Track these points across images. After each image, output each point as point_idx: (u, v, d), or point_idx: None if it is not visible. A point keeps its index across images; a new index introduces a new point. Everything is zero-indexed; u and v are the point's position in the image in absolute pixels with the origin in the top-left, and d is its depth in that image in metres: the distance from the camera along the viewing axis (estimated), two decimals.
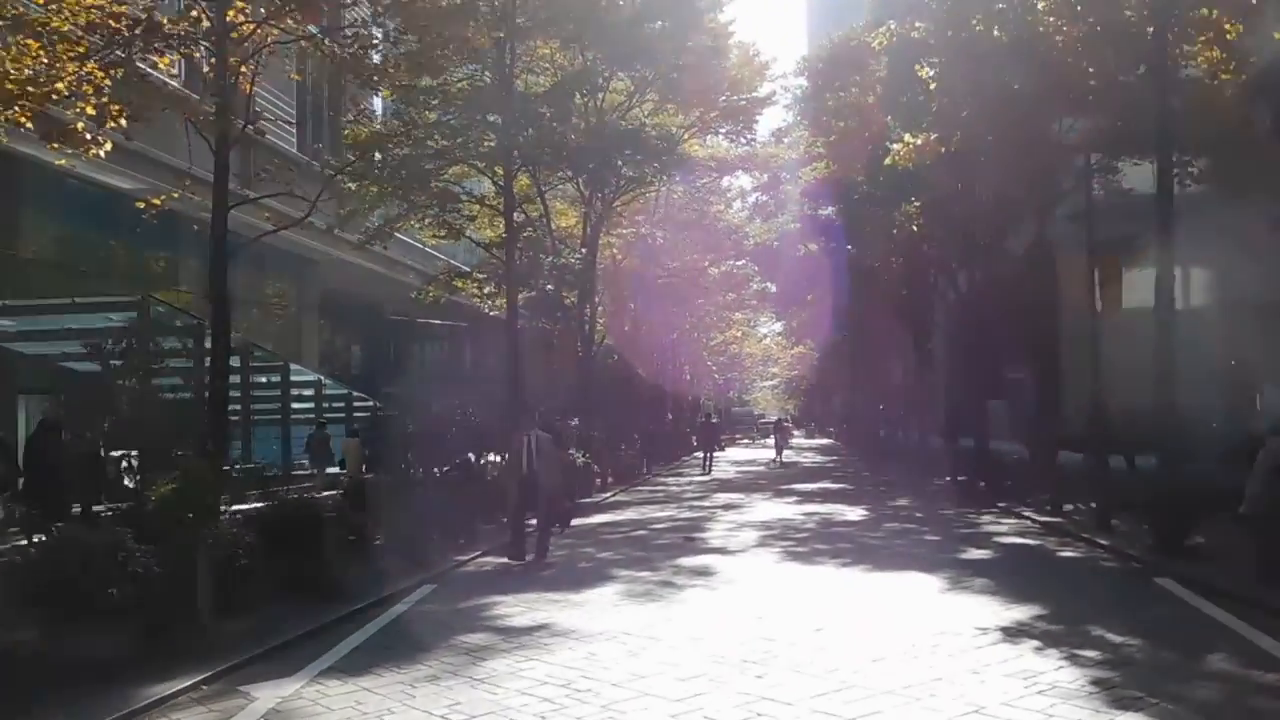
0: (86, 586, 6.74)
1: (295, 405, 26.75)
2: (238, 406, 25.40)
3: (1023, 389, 30.21)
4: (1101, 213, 21.81)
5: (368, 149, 19.46)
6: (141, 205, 14.17)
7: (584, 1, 20.65)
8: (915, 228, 23.69)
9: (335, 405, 27.31)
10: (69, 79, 10.56)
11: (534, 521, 12.13)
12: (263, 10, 12.63)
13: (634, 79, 24.67)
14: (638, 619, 8.06)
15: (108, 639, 6.81)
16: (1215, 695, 5.77)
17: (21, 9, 10.41)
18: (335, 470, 21.43)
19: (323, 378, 27.64)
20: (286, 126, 28.17)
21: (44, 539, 8.00)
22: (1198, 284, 23.22)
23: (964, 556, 11.14)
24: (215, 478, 10.00)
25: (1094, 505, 14.07)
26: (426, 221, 22.77)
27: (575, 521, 16.43)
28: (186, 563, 7.86)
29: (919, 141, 14.72)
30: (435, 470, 16.77)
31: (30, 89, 9.98)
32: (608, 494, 22.01)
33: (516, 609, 8.77)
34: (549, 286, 22.19)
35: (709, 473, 31.30)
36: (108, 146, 11.19)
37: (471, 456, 19.19)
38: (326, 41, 14.71)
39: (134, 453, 15.03)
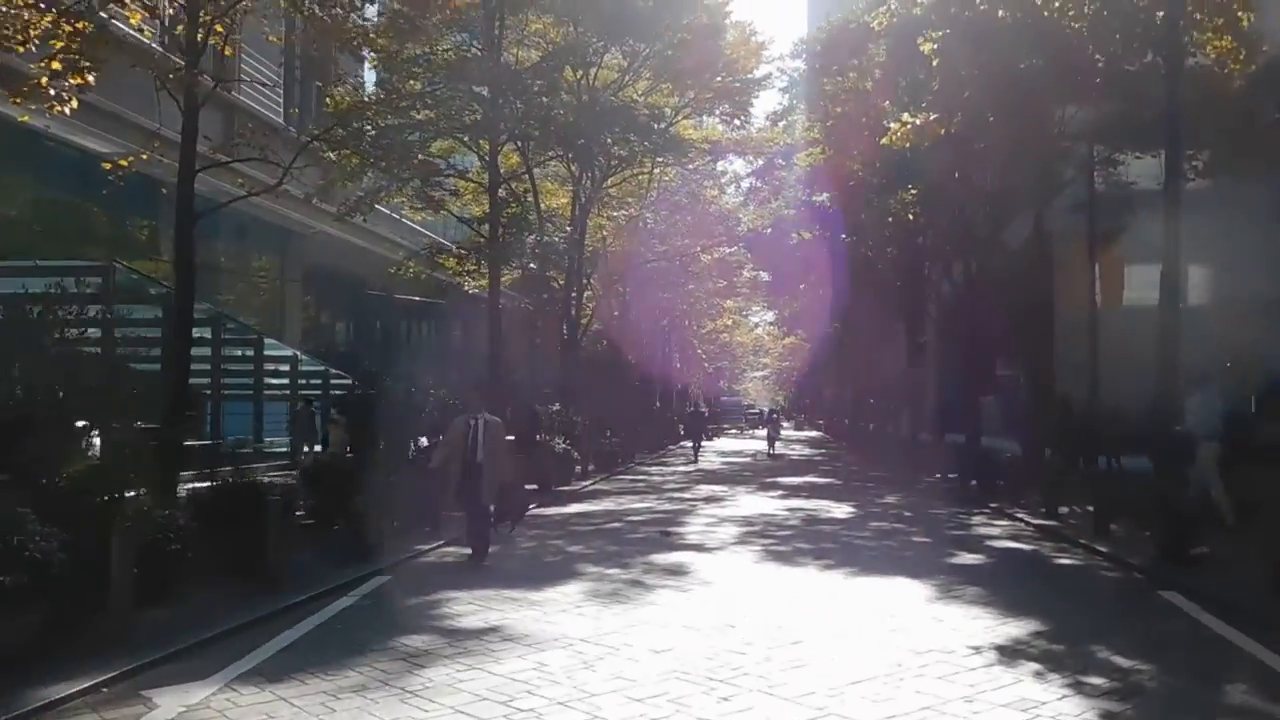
0: None
1: (272, 380, 26.09)
2: (207, 380, 24.77)
3: (1015, 385, 29.68)
4: (1101, 205, 21.23)
5: (349, 118, 18.82)
6: (108, 167, 13.65)
7: None
8: (911, 216, 23.01)
9: (313, 382, 26.56)
10: (36, 31, 10.21)
11: (498, 516, 11.30)
12: None
13: (626, 53, 23.91)
14: (599, 623, 7.36)
15: None
16: None
17: None
18: (319, 449, 20.82)
19: (299, 353, 26.93)
20: (274, 96, 27.58)
21: None
22: (1192, 281, 22.59)
23: (955, 561, 10.46)
24: (147, 453, 9.30)
25: (1090, 509, 13.46)
26: (408, 195, 22.05)
27: (548, 511, 15.82)
28: (102, 547, 7.14)
29: (918, 121, 14.00)
30: (407, 452, 16.11)
31: None
32: (587, 482, 21.34)
33: (469, 607, 8.07)
34: (532, 265, 21.49)
35: (696, 462, 31.20)
36: (74, 104, 10.82)
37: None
38: (306, 1, 14.12)
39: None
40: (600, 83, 23.47)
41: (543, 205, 24.97)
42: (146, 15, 12.98)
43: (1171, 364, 12.20)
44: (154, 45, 14.09)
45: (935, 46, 13.32)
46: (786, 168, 30.70)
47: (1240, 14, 13.91)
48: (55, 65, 11.48)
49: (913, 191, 22.11)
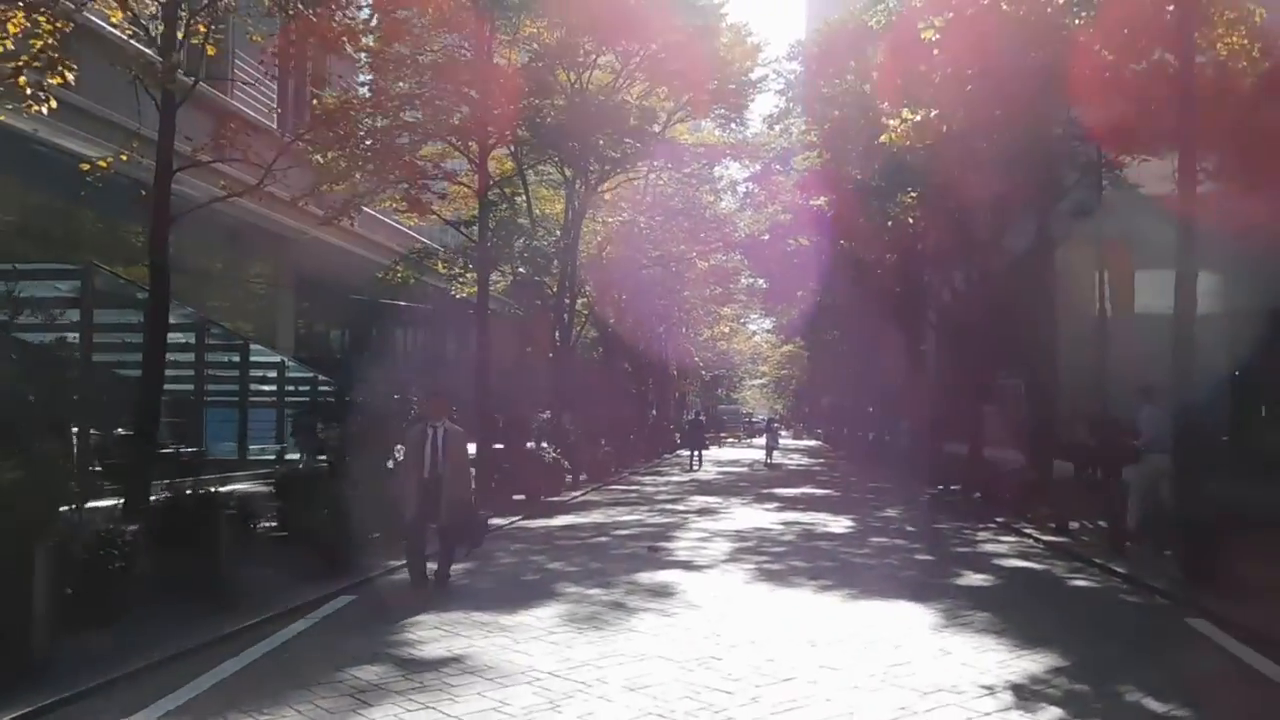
0: None
1: (261, 387, 25.49)
2: (190, 387, 24.12)
3: (1015, 394, 29.06)
4: (1106, 210, 20.57)
5: (336, 119, 18.34)
6: (86, 168, 13.23)
7: None
8: (911, 220, 22.39)
9: (301, 389, 25.93)
10: (15, 29, 10.04)
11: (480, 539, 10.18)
12: None
13: (619, 54, 23.35)
14: (572, 653, 6.70)
15: None
16: None
17: None
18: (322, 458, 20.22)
19: (286, 359, 26.35)
20: (268, 99, 27.05)
21: None
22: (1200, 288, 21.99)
23: (961, 582, 9.77)
24: (60, 469, 8.63)
25: (1102, 524, 12.82)
26: (396, 199, 21.48)
27: (534, 523, 15.14)
28: (24, 567, 6.49)
29: (918, 117, 13.37)
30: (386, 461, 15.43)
31: None
32: (577, 493, 20.65)
33: (434, 633, 7.40)
34: (521, 269, 20.88)
35: (694, 471, 31.16)
36: (52, 103, 10.71)
37: None
38: None
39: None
40: (594, 85, 22.91)
41: (537, 211, 24.40)
42: (128, 15, 12.68)
43: (1187, 373, 11.61)
44: (133, 43, 13.65)
45: (937, 36, 12.67)
46: (784, 173, 30.06)
47: (1252, 7, 13.33)
48: (34, 64, 11.29)
49: (913, 195, 21.50)
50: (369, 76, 20.37)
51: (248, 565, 9.20)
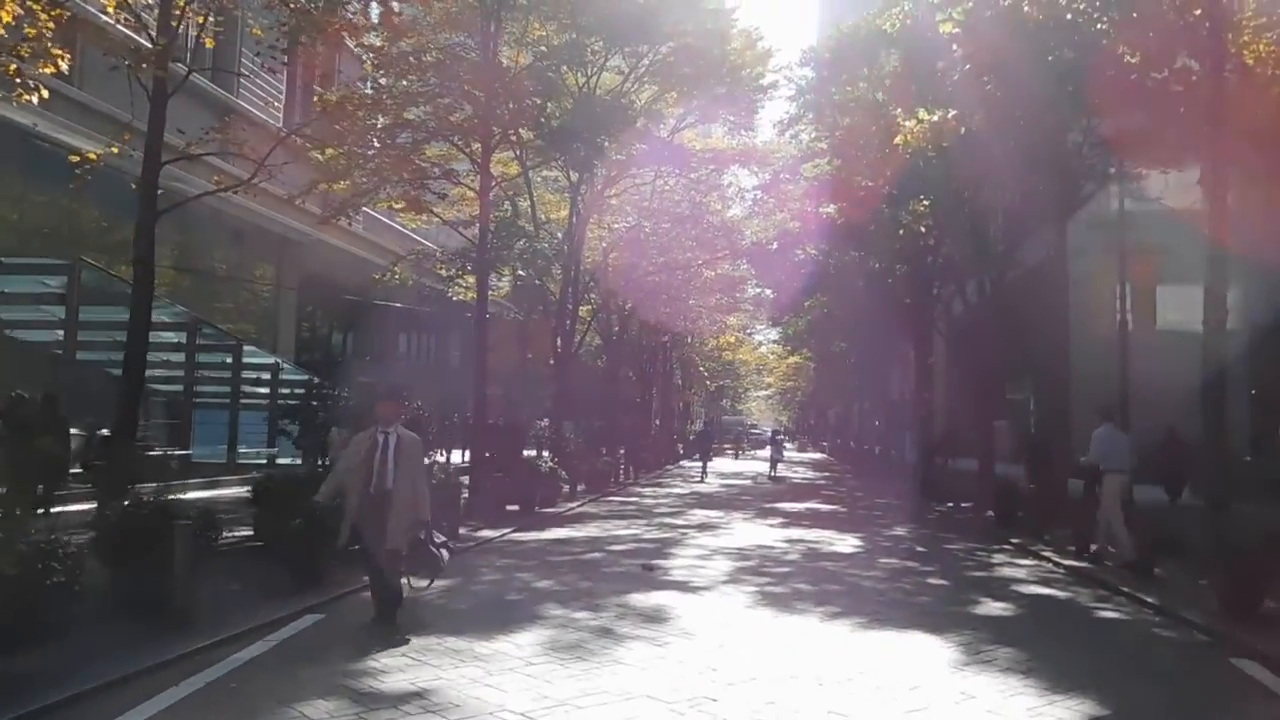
0: None
1: (256, 389, 24.91)
2: (179, 388, 23.50)
3: (1025, 409, 28.34)
4: (1114, 223, 19.85)
5: (338, 116, 17.88)
6: (75, 160, 12.78)
7: None
8: (924, 229, 21.71)
9: (297, 391, 25.35)
10: (9, 18, 9.77)
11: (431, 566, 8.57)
12: None
13: (627, 55, 22.81)
14: (551, 689, 5.99)
15: None
16: None
17: None
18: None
19: (281, 360, 25.77)
20: (275, 98, 26.61)
21: None
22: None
23: (980, 611, 9.02)
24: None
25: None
26: (395, 196, 20.92)
27: (526, 536, 14.43)
28: None
29: (935, 118, 12.68)
30: None
31: None
32: (574, 504, 19.97)
33: (400, 660, 6.71)
34: (520, 272, 20.26)
35: (703, 480, 31.34)
36: (44, 93, 10.39)
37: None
38: None
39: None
40: (602, 89, 22.36)
41: (542, 215, 23.82)
42: (123, 2, 12.36)
43: (1218, 392, 10.95)
44: (126, 31, 13.21)
45: (956, 30, 12.00)
46: (793, 181, 29.37)
47: None
48: (24, 52, 10.70)
49: (926, 203, 20.83)
50: (378, 76, 19.84)
51: (212, 580, 8.55)
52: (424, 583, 8.28)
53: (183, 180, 15.90)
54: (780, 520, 17.62)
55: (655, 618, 8.28)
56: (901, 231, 20.76)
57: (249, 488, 12.54)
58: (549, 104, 20.16)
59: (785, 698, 5.87)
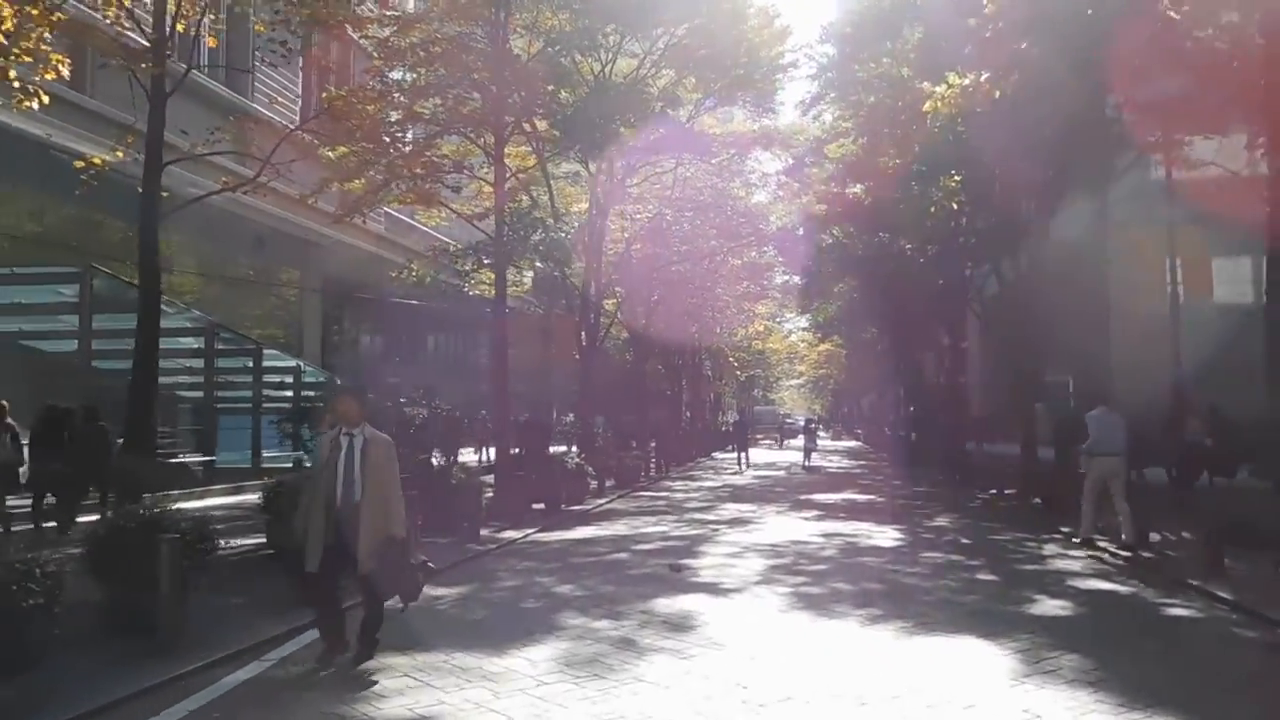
0: None
1: (279, 394, 24.64)
2: (197, 394, 23.20)
3: (1064, 391, 27.43)
4: (1157, 194, 18.95)
5: (346, 113, 17.44)
6: (80, 165, 12.49)
7: None
8: (955, 205, 20.87)
9: (320, 394, 24.99)
10: (9, 25, 9.71)
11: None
12: None
13: (641, 40, 22.21)
14: (561, 715, 5.39)
15: None
16: None
17: None
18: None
19: (302, 363, 25.47)
20: (289, 104, 26.30)
21: None
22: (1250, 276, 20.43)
23: (1035, 611, 8.27)
24: None
25: (1186, 535, 11.36)
26: (408, 193, 20.45)
27: (550, 536, 13.86)
28: None
29: (966, 82, 11.91)
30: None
31: None
32: (602, 500, 19.38)
33: (401, 682, 6.13)
34: (537, 264, 19.68)
35: (742, 471, 31.47)
36: (44, 99, 10.26)
37: (438, 457, 16.65)
38: None
39: None
40: (618, 75, 21.74)
41: (560, 207, 23.22)
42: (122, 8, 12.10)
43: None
44: (126, 32, 12.87)
45: None
46: (817, 163, 28.57)
47: None
48: (26, 58, 10.44)
49: (957, 178, 19.99)
50: (385, 69, 19.37)
51: (214, 595, 8.06)
52: (397, 608, 6.87)
53: (197, 185, 15.53)
54: (815, 513, 16.93)
55: (681, 625, 7.65)
56: (933, 209, 19.91)
57: (259, 494, 12.10)
58: (563, 92, 19.58)
59: (824, 716, 5.22)
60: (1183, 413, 15.94)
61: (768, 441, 58.09)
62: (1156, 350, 15.70)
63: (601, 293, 25.27)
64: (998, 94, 12.15)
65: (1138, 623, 7.95)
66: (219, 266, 26.41)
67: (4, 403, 13.34)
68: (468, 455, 22.81)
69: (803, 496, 20.62)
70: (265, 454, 23.23)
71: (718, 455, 43.34)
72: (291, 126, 16.10)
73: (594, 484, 20.66)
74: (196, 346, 22.24)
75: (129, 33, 12.82)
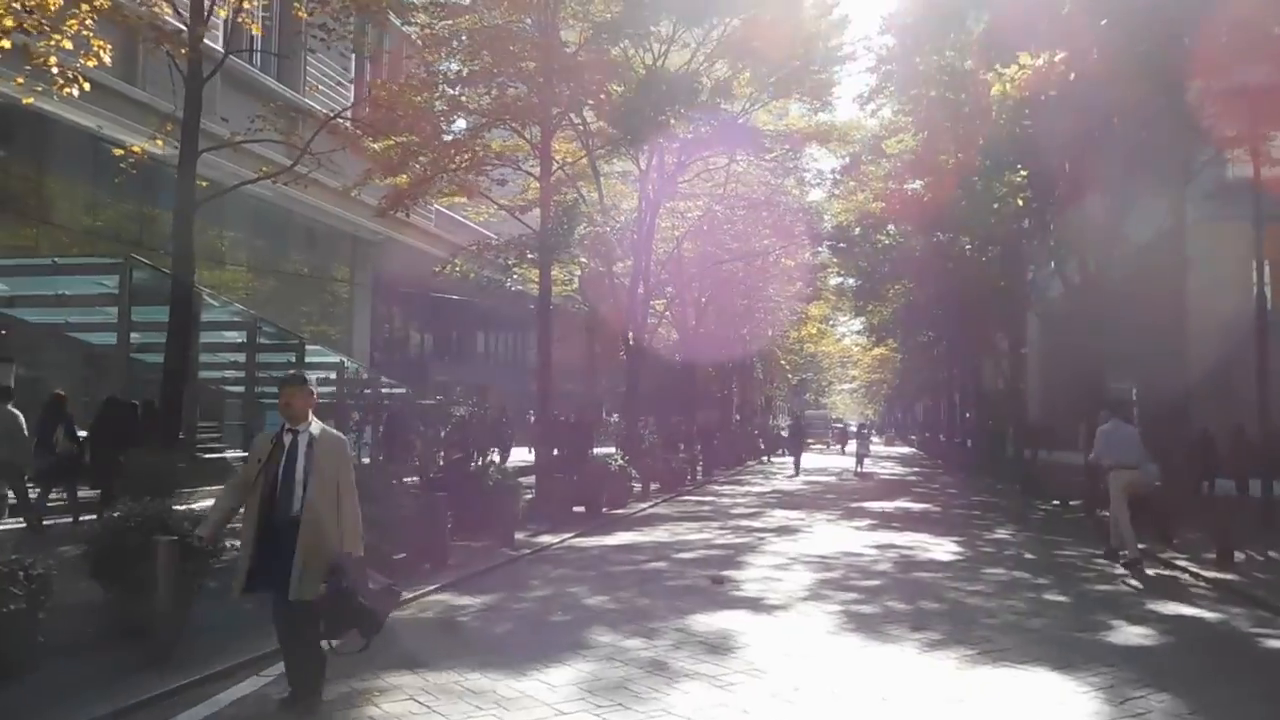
0: None
1: (321, 389, 24.42)
2: (241, 388, 23.07)
3: (1127, 398, 26.27)
4: (1239, 191, 17.81)
5: (392, 103, 17.20)
6: (119, 153, 12.29)
7: None
8: (1020, 202, 19.90)
9: (364, 390, 24.73)
10: (53, 11, 9.85)
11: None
12: None
13: (693, 31, 21.58)
14: None
15: None
16: None
17: None
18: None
19: (345, 359, 25.28)
20: (343, 98, 26.18)
21: None
22: None
23: (1114, 639, 7.42)
24: None
25: (1273, 555, 10.42)
26: (452, 186, 20.09)
27: (587, 541, 13.28)
28: None
29: (1040, 62, 11.07)
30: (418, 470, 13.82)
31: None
32: (645, 505, 18.76)
33: (405, 706, 5.54)
34: (581, 258, 19.12)
35: (798, 474, 31.07)
36: (85, 85, 10.27)
37: (492, 455, 16.10)
38: None
39: None
40: (670, 67, 21.14)
41: (609, 203, 22.68)
42: None
43: None
44: (168, 19, 12.67)
45: None
46: (874, 162, 27.67)
47: None
48: (66, 43, 10.46)
49: (1023, 173, 19.04)
50: (430, 57, 19.04)
51: (217, 601, 7.55)
52: (356, 645, 5.43)
53: (241, 178, 15.29)
54: (868, 522, 16.12)
55: (719, 647, 6.98)
56: (996, 205, 18.95)
57: None
58: (613, 85, 19.02)
59: None
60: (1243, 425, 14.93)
61: (819, 446, 57.08)
62: (1239, 355, 14.67)
63: (650, 292, 24.66)
64: (1072, 76, 11.28)
65: (1232, 656, 7.07)
66: (273, 263, 26.36)
67: (62, 393, 13.15)
68: (519, 457, 22.24)
69: (854, 504, 19.79)
70: None
71: (767, 459, 42.51)
72: (344, 119, 15.73)
73: (638, 487, 20.06)
74: (240, 341, 22.08)
75: (169, 18, 12.61)
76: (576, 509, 16.24)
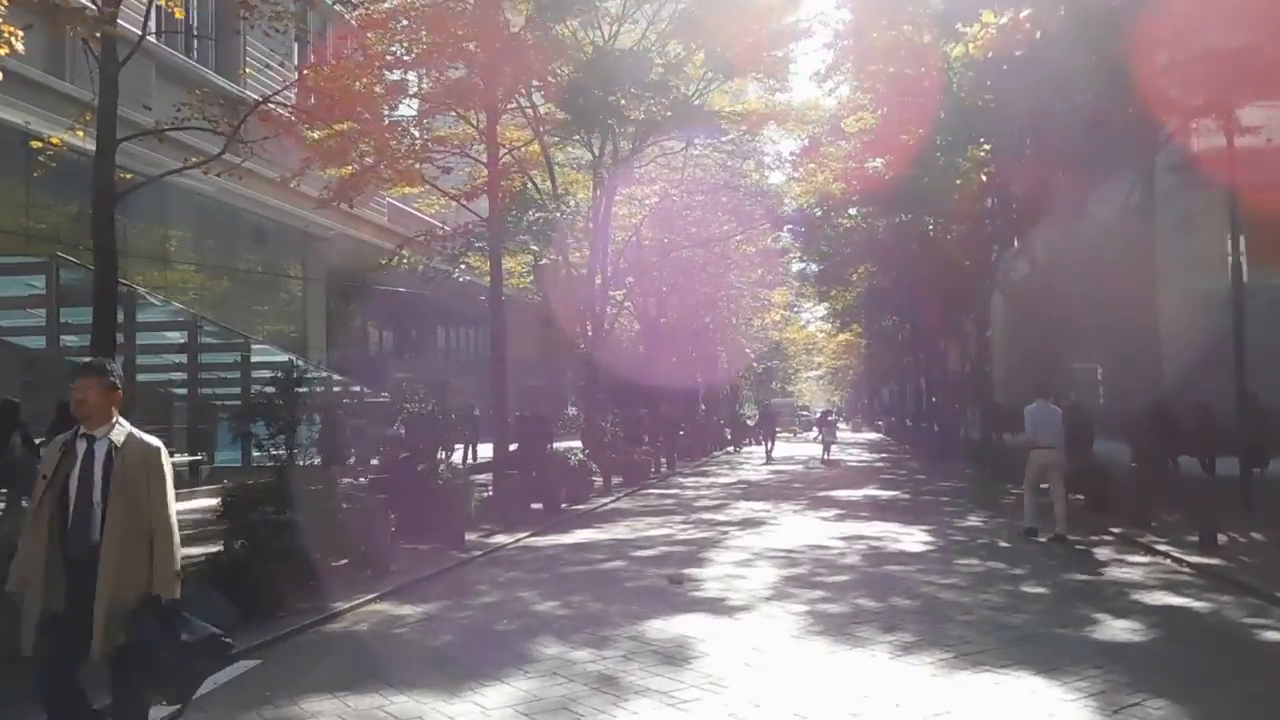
0: None
1: (270, 389, 23.56)
2: (183, 390, 22.17)
3: (1092, 378, 26.01)
4: (1208, 161, 17.45)
5: (329, 90, 16.33)
6: (37, 145, 11.44)
7: None
8: (983, 178, 19.46)
9: (316, 390, 23.87)
10: None
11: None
12: None
13: (644, 9, 20.95)
14: None
15: None
16: None
17: None
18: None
19: (294, 358, 24.38)
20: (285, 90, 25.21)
21: None
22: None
23: (1100, 635, 6.87)
24: None
25: (1258, 537, 10.00)
26: (393, 175, 19.27)
27: (543, 540, 12.64)
28: None
29: (1004, 20, 10.53)
30: (358, 472, 13.17)
31: None
32: (607, 499, 18.13)
33: None
34: (534, 247, 18.39)
35: (770, 460, 31.93)
36: None
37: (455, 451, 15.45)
38: None
39: None
40: (620, 47, 20.46)
41: (562, 189, 21.95)
42: None
43: None
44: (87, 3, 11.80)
45: None
46: (833, 142, 27.13)
47: None
48: None
49: (986, 147, 18.58)
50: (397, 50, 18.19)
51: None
52: (167, 709, 4.53)
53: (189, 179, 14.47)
54: (835, 512, 15.59)
55: (675, 657, 6.37)
56: (959, 181, 18.46)
57: (218, 499, 10.94)
58: (560, 65, 18.30)
59: None
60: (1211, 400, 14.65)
61: (785, 435, 56.76)
62: (1212, 328, 14.30)
63: (609, 281, 23.99)
64: (1039, 34, 10.75)
65: (1229, 652, 6.51)
66: (223, 262, 25.42)
67: (14, 400, 12.35)
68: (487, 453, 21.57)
69: (821, 493, 19.28)
70: (255, 454, 22.21)
71: (735, 449, 42.07)
72: (259, 101, 14.86)
73: (599, 481, 19.43)
74: (181, 341, 21.19)
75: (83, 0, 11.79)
76: (535, 506, 15.60)
